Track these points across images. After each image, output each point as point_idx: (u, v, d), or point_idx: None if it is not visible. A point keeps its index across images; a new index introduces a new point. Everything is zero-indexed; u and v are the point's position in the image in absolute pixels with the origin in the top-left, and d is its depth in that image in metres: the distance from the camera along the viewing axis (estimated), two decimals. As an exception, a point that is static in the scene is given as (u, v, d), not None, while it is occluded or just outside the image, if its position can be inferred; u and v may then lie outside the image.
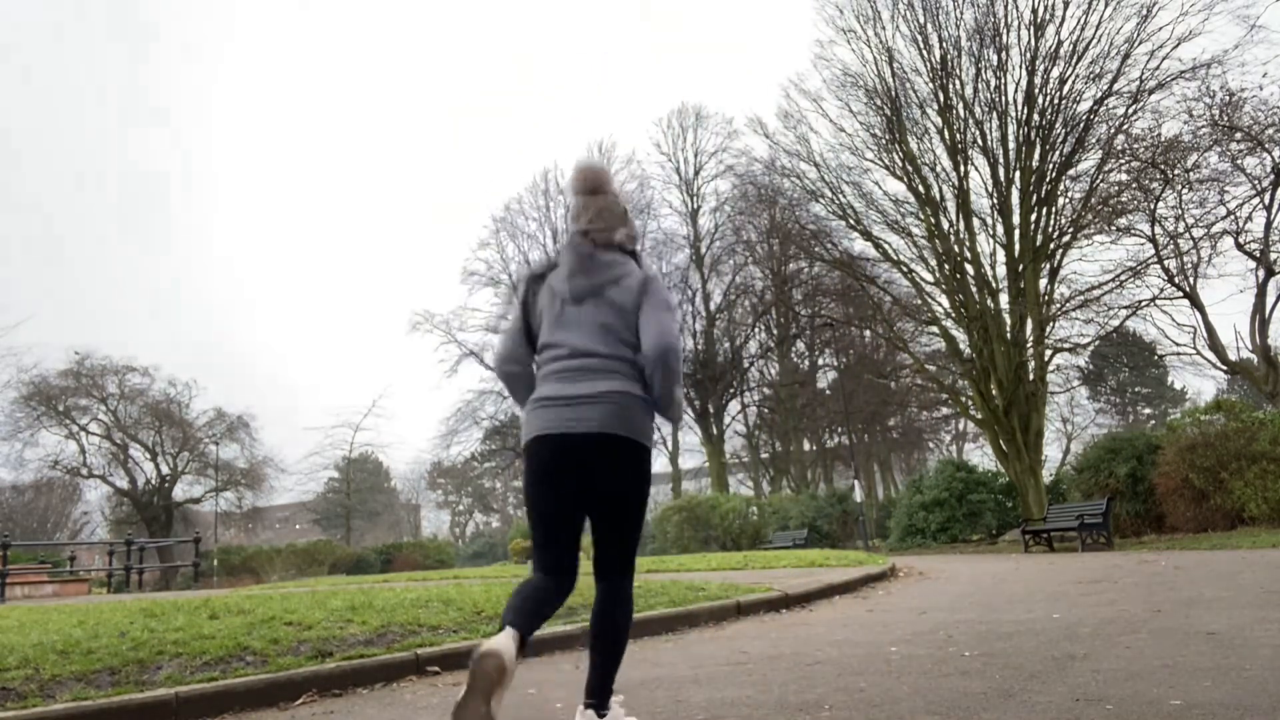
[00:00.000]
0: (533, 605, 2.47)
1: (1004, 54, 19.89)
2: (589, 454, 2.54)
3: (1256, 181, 18.70)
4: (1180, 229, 19.81)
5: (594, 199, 2.81)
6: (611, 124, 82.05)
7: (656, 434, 38.30)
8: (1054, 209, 20.16)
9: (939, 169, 21.27)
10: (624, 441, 2.56)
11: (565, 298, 2.71)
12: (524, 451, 2.65)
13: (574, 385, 2.60)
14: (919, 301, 22.76)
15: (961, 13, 20.36)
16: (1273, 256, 18.73)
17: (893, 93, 21.17)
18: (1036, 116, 19.74)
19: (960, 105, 20.58)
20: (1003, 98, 20.13)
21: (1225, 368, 20.63)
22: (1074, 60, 19.25)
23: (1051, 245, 20.12)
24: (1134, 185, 19.48)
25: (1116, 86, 19.09)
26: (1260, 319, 19.07)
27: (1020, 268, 19.97)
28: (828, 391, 37.48)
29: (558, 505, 2.58)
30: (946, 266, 21.22)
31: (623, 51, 79.68)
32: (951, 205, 21.08)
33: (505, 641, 2.26)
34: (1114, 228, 20.32)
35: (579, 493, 2.57)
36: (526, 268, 2.97)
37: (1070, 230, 20.09)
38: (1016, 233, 20.19)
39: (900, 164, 21.47)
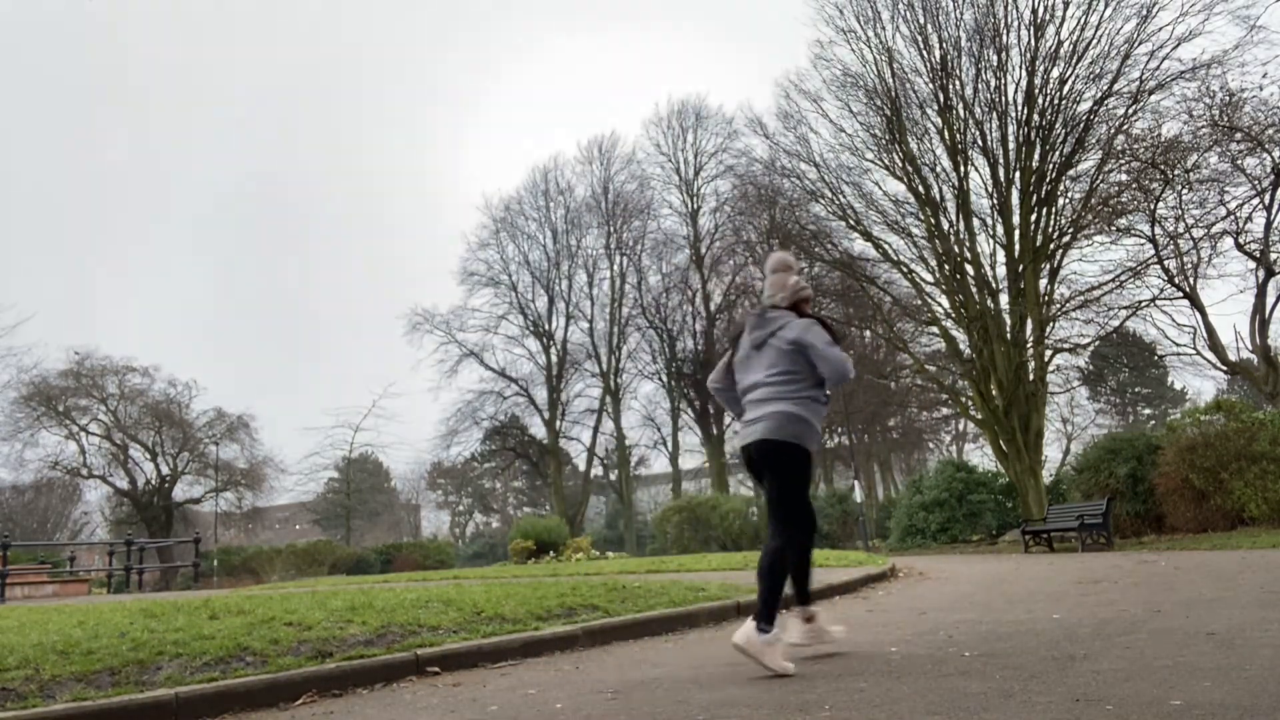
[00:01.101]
0: (795, 573, 3.98)
1: (1004, 54, 19.88)
2: (757, 454, 3.91)
3: (1256, 182, 18.68)
4: (1180, 229, 19.80)
5: (775, 276, 4.22)
6: (611, 123, 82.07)
7: (656, 434, 38.01)
8: (1054, 209, 20.14)
9: (939, 169, 21.26)
10: (775, 443, 3.86)
11: (747, 347, 4.12)
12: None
13: (752, 410, 3.99)
14: (919, 302, 22.75)
15: (961, 13, 20.36)
16: (1273, 257, 18.72)
17: (893, 93, 21.16)
18: (1036, 117, 19.72)
19: (960, 105, 20.57)
20: (1003, 98, 20.12)
21: (1225, 368, 20.62)
22: (1074, 60, 19.24)
23: (1051, 245, 20.10)
24: (1134, 185, 19.46)
25: (1116, 87, 19.08)
26: (1260, 319, 19.06)
27: (1020, 268, 19.96)
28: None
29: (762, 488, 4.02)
30: (946, 267, 21.21)
31: (623, 51, 79.69)
32: (951, 205, 21.08)
33: (795, 625, 4.06)
34: (1114, 228, 20.31)
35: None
36: (738, 321, 4.24)
37: (1070, 230, 20.07)
38: (1016, 233, 20.18)
39: (900, 164, 21.46)
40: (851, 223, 22.75)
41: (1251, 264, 19.33)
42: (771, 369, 3.94)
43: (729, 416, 38.09)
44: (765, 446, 3.85)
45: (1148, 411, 47.95)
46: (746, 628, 3.61)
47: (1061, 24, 19.20)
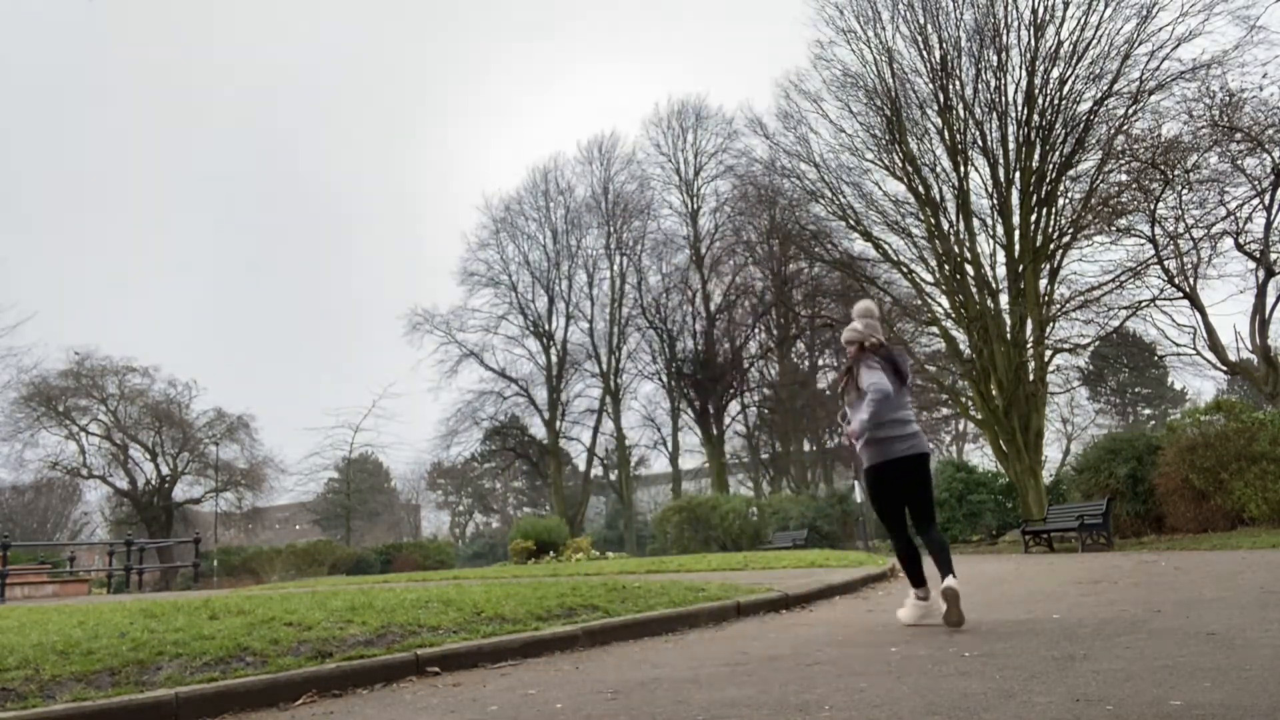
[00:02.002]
0: (915, 564, 5.15)
1: (1004, 54, 19.89)
2: (913, 465, 4.99)
3: (1256, 182, 18.68)
4: (1180, 229, 19.80)
5: (876, 322, 5.22)
6: (612, 123, 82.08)
7: (656, 434, 37.99)
8: (1054, 209, 20.15)
9: (939, 169, 21.27)
10: (928, 455, 5.08)
11: (895, 380, 5.01)
12: (874, 469, 5.04)
13: (898, 429, 4.97)
14: (919, 302, 22.76)
15: (961, 13, 20.37)
16: (1273, 257, 18.71)
17: (893, 93, 21.16)
18: (1036, 117, 19.72)
19: (960, 106, 20.58)
20: (1003, 98, 20.12)
21: (1225, 368, 20.60)
22: (1074, 61, 19.24)
23: (1051, 246, 20.11)
24: (1134, 186, 19.47)
25: (1116, 87, 19.09)
26: (1260, 319, 19.04)
27: (1020, 268, 19.96)
28: (828, 392, 37.45)
29: (899, 498, 5.12)
30: (946, 267, 21.22)
31: (623, 50, 79.72)
32: (951, 206, 21.08)
33: (919, 605, 5.07)
34: (1114, 228, 20.31)
35: (905, 488, 5.07)
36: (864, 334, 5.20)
37: (1070, 231, 20.08)
38: (1016, 233, 20.18)
39: (900, 164, 21.47)
40: (851, 223, 22.77)
41: (1251, 264, 19.32)
42: (907, 398, 5.14)
43: (728, 417, 38.13)
44: (925, 459, 5.04)
45: (1148, 412, 47.94)
46: (951, 581, 4.72)
47: (1061, 24, 19.22)
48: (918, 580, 5.08)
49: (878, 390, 4.82)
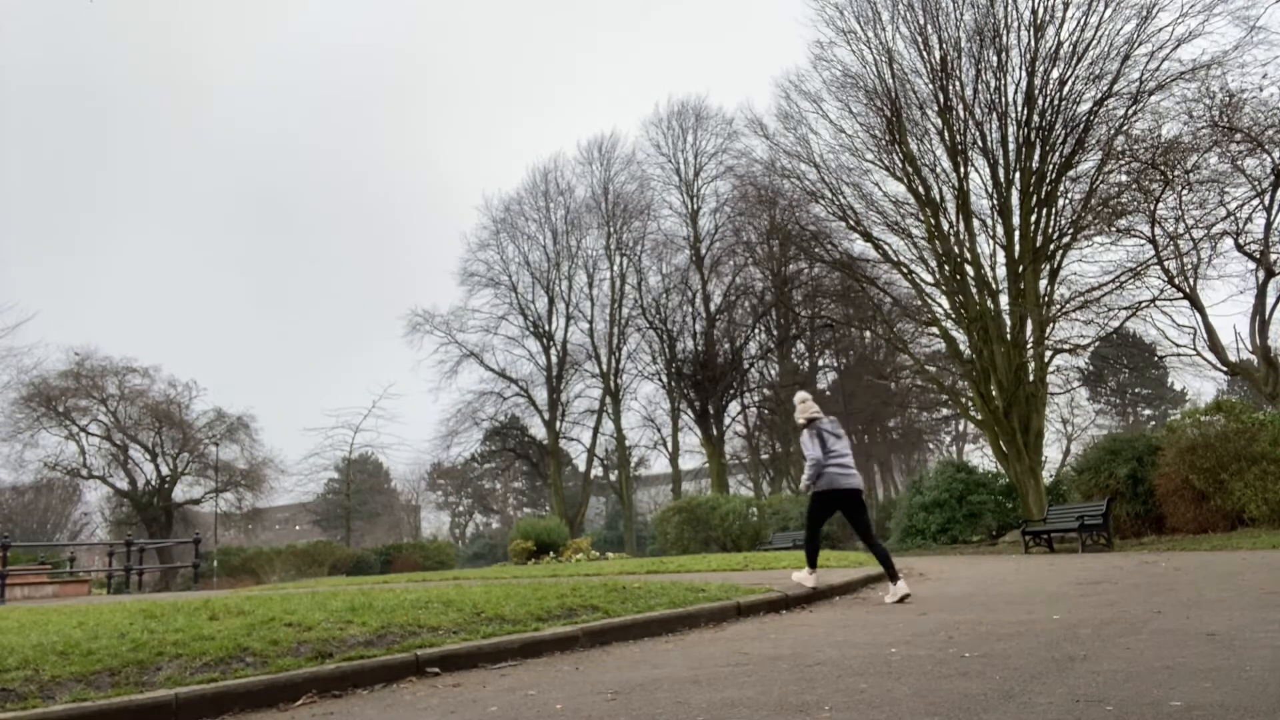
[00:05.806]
0: (816, 553, 7.84)
1: (1004, 55, 19.88)
2: (855, 495, 7.51)
3: (1256, 182, 18.65)
4: (1180, 230, 19.76)
5: (814, 405, 7.84)
6: (611, 123, 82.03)
7: (656, 434, 37.87)
8: (1054, 210, 20.13)
9: (939, 170, 21.25)
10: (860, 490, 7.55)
11: (836, 435, 7.61)
12: (825, 493, 7.50)
13: (846, 467, 7.50)
14: (919, 302, 22.74)
15: (961, 14, 20.35)
16: (1273, 257, 18.69)
17: (893, 94, 21.15)
18: (1036, 117, 19.71)
19: (960, 106, 20.56)
20: (1002, 99, 20.11)
21: (1225, 369, 20.58)
22: (1074, 61, 19.23)
23: (1051, 246, 20.09)
24: (1134, 186, 19.44)
25: (1116, 87, 19.06)
26: (1260, 320, 19.03)
27: (1020, 269, 19.95)
28: (828, 393, 37.46)
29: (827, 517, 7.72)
30: (946, 267, 21.20)
31: (623, 51, 79.69)
32: (951, 206, 21.06)
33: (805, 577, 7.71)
34: (1114, 229, 20.28)
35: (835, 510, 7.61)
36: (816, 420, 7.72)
37: (1070, 231, 20.06)
38: (1016, 234, 20.17)
39: (900, 165, 21.44)
40: (851, 223, 22.74)
41: (1251, 265, 19.30)
42: (847, 446, 7.69)
43: (728, 417, 38.22)
44: (861, 492, 7.53)
45: (1148, 412, 47.92)
46: (900, 582, 7.00)
47: (1061, 25, 19.20)
48: (814, 562, 7.77)
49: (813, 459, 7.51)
